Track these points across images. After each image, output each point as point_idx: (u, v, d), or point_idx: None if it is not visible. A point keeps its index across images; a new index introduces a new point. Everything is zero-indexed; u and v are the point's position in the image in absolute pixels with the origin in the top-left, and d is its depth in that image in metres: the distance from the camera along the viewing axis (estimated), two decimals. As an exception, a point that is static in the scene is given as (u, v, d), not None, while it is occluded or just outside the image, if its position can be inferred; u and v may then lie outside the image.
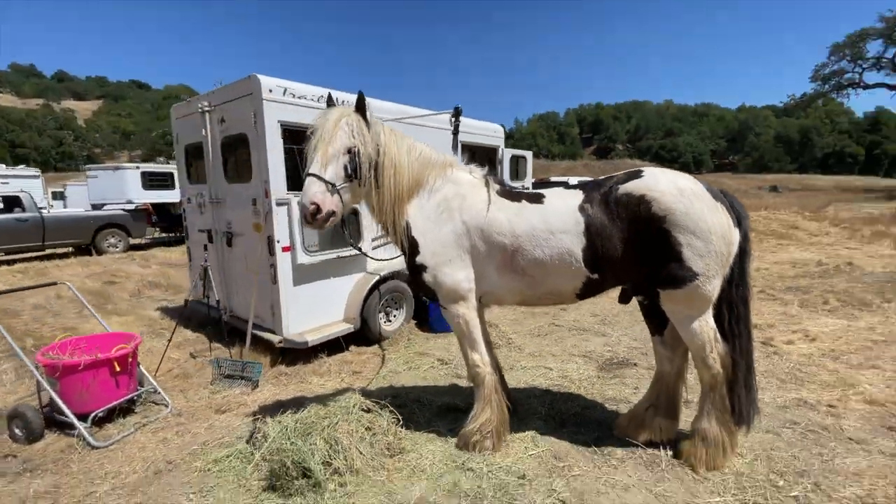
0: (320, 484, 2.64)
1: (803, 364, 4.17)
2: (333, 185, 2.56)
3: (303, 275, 4.55)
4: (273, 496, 2.62)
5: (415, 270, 2.95)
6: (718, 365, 2.71)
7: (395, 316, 5.46)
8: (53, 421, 3.22)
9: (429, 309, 5.60)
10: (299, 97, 4.39)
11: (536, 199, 2.87)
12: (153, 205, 15.06)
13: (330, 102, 2.83)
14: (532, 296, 2.93)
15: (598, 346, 4.89)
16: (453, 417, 3.42)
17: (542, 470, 2.77)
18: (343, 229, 2.89)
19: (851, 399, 3.45)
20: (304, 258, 4.45)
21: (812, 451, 2.86)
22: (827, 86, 39.00)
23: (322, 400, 3.29)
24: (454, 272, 2.88)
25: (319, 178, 2.53)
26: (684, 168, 65.74)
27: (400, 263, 5.34)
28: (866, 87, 35.97)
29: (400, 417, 3.17)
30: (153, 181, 14.78)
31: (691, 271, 2.53)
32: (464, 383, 4.04)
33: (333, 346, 4.81)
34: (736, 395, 2.75)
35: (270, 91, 4.16)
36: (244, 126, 4.39)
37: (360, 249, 3.34)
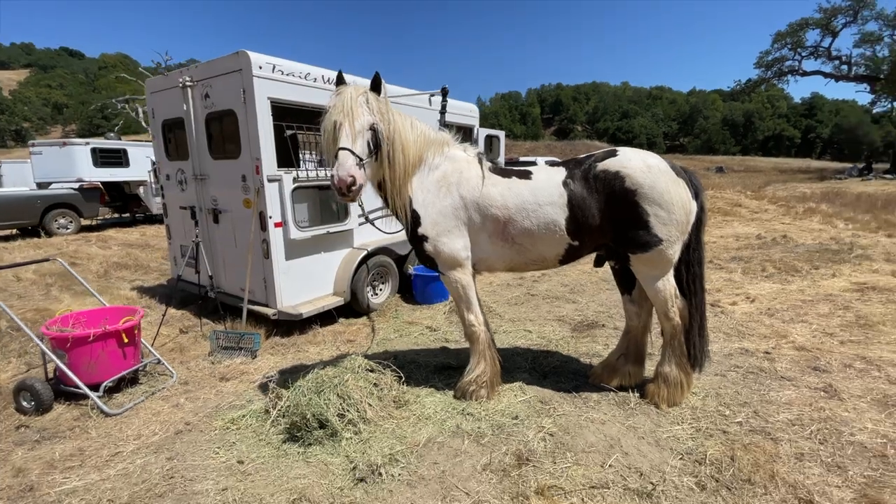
0: (337, 433, 2.92)
1: (744, 321, 4.81)
2: (361, 160, 2.75)
3: (294, 250, 4.70)
4: (294, 446, 2.88)
5: (417, 240, 3.22)
6: (678, 317, 3.19)
7: (381, 290, 5.71)
8: (60, 392, 3.29)
9: (413, 283, 5.89)
10: (287, 74, 4.45)
11: (525, 175, 3.20)
12: (105, 183, 14.27)
13: (341, 80, 2.99)
14: (520, 262, 3.28)
15: (569, 311, 5.37)
16: (448, 374, 3.77)
17: (532, 412, 3.18)
18: (359, 204, 3.08)
19: (783, 347, 4.09)
20: (296, 234, 4.59)
21: (752, 388, 3.43)
22: (769, 72, 41.25)
23: (326, 364, 3.55)
24: (452, 241, 3.17)
25: (352, 152, 2.71)
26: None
27: (387, 239, 5.62)
28: (804, 74, 38.50)
29: (402, 375, 3.48)
30: (105, 158, 13.98)
31: (656, 237, 2.95)
32: (453, 346, 4.40)
33: (325, 318, 5.03)
34: (691, 342, 3.25)
35: (260, 68, 4.20)
36: (232, 102, 4.42)
37: (373, 223, 3.51)
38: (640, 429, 2.98)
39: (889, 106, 36.87)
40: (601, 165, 3.00)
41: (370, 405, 3.15)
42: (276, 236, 4.51)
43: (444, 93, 4.60)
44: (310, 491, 2.47)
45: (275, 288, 4.59)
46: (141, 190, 14.85)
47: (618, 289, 3.60)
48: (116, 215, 15.96)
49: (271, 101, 4.33)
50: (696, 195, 3.06)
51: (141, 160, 14.26)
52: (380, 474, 2.60)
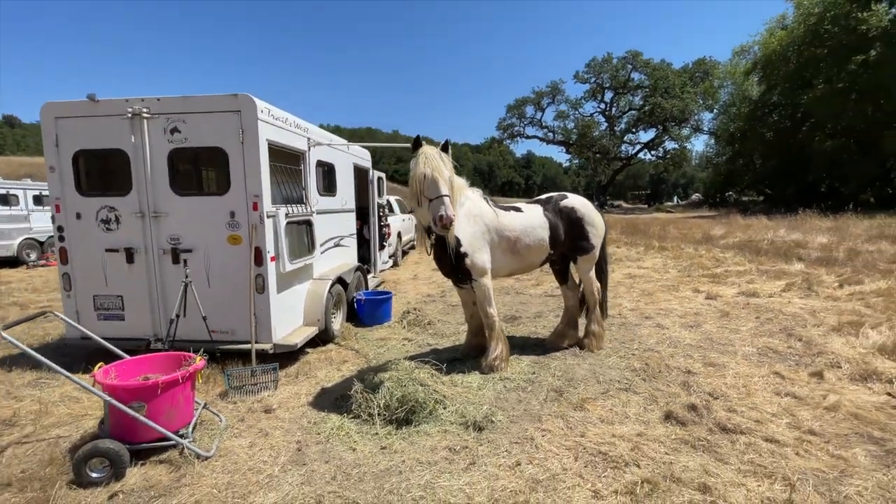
0: (433, 411, 3.71)
1: (592, 302, 7.43)
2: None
3: (283, 282, 4.86)
4: (409, 428, 3.51)
5: (459, 257, 4.30)
6: (597, 294, 5.23)
7: (335, 317, 6.10)
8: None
9: (359, 307, 6.47)
10: (276, 118, 4.77)
11: (517, 209, 4.75)
12: None
13: (418, 143, 3.91)
14: (518, 268, 4.77)
15: (489, 313, 7.01)
16: (459, 363, 4.82)
17: (537, 368, 4.63)
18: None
19: (624, 310, 6.74)
20: (289, 266, 4.81)
21: (626, 332, 5.76)
22: (505, 134, 54.41)
23: (376, 371, 4.17)
24: (483, 256, 4.41)
25: (449, 197, 3.68)
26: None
27: (338, 268, 6.16)
28: (527, 137, 52.88)
29: (443, 367, 4.39)
30: None
31: (592, 245, 4.94)
32: (441, 347, 5.42)
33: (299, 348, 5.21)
34: (603, 307, 5.34)
35: (261, 111, 4.46)
36: (220, 140, 4.43)
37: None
38: (596, 364, 4.81)
39: (575, 162, 53.58)
40: (563, 203, 4.84)
41: (441, 386, 4.02)
42: (271, 270, 4.64)
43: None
44: (455, 444, 3.29)
45: (270, 322, 4.65)
46: None
47: (556, 281, 5.48)
48: None
49: (268, 143, 4.58)
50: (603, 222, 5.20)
51: None
52: (491, 421, 3.59)
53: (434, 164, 3.81)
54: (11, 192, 13.62)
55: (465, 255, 4.31)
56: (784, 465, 2.94)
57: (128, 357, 3.39)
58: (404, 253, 13.57)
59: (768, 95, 31.93)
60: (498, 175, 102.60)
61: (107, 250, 4.67)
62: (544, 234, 4.69)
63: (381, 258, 9.60)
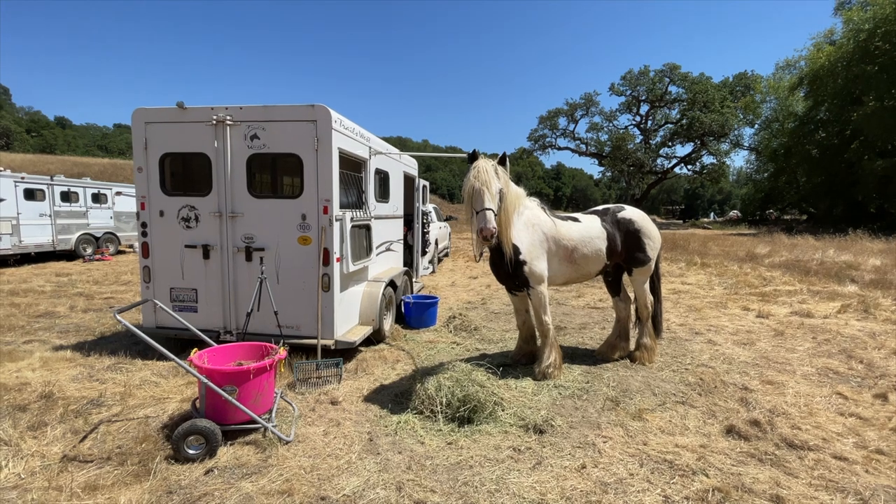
0: (493, 412, 3.82)
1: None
2: (496, 214, 3.90)
3: (345, 282, 5.10)
4: (471, 426, 3.64)
5: (517, 265, 4.43)
6: (650, 307, 5.24)
7: (386, 318, 6.30)
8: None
9: (407, 310, 6.67)
10: (346, 128, 5.05)
11: (575, 219, 4.84)
12: None
13: (474, 156, 4.09)
14: (574, 277, 4.85)
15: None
16: (511, 369, 4.92)
17: (590, 378, 4.68)
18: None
19: (673, 325, 6.69)
20: (352, 267, 5.04)
21: (678, 347, 5.73)
22: (536, 145, 54.26)
23: (431, 372, 4.32)
24: (541, 264, 4.52)
25: (493, 210, 3.84)
26: (442, 198, 78.86)
27: (390, 271, 6.36)
28: (559, 148, 52.50)
29: (497, 371, 4.51)
30: None
31: (648, 257, 4.97)
32: (489, 353, 5.53)
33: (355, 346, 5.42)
34: (656, 321, 5.34)
35: (335, 122, 4.74)
36: (295, 147, 4.73)
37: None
38: (649, 377, 4.82)
39: (607, 175, 52.90)
40: (620, 214, 4.91)
41: (499, 388, 4.13)
42: (336, 270, 4.88)
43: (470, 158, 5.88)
44: (519, 444, 3.39)
45: (333, 319, 4.88)
46: None
47: (609, 293, 5.51)
48: None
49: (338, 151, 4.85)
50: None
51: None
52: (551, 425, 3.68)
53: (483, 177, 3.96)
54: (72, 189, 14.58)
55: (523, 262, 4.44)
56: (855, 480, 2.93)
57: (216, 345, 3.66)
58: (439, 260, 13.77)
59: (815, 112, 30.82)
60: (526, 186, 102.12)
61: (185, 246, 5.02)
62: (602, 244, 4.77)
63: (423, 264, 9.82)
